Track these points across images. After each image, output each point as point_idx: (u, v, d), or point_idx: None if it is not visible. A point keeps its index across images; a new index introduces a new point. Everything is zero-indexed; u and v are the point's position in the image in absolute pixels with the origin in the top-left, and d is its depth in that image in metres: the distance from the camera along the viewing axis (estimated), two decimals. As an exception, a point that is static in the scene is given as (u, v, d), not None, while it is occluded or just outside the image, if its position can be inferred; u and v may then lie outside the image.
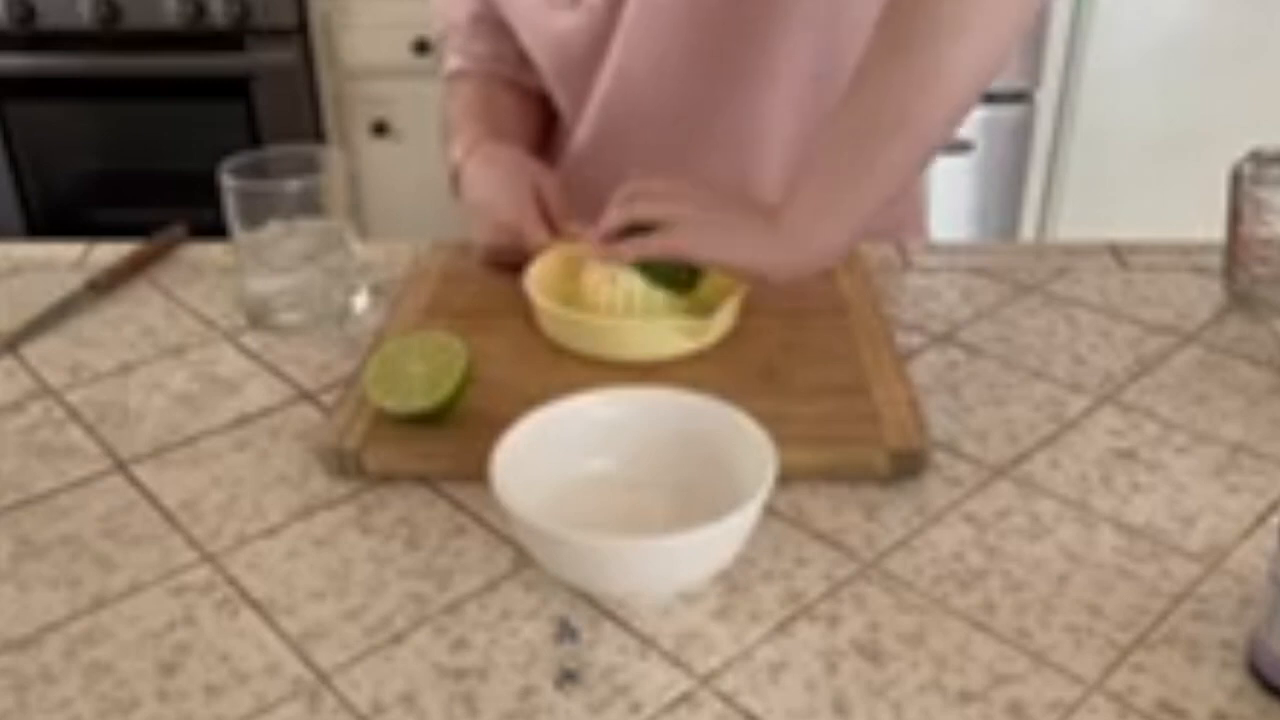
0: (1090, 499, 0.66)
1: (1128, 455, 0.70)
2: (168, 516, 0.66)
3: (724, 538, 0.56)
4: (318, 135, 2.08)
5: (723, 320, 0.78)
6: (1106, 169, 2.05)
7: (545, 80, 1.01)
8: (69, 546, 0.64)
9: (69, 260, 0.98)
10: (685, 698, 0.53)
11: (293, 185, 0.82)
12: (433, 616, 0.58)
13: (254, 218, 0.83)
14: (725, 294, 0.79)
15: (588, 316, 0.78)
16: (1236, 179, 0.84)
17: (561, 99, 1.01)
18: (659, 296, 0.79)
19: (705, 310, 0.79)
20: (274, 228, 0.83)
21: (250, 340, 0.85)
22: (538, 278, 0.82)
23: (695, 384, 0.66)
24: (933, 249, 0.99)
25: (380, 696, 0.53)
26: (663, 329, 0.77)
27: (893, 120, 0.73)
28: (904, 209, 1.07)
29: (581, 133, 1.00)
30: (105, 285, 0.92)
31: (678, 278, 0.78)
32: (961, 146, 1.98)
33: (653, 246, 0.76)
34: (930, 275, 0.93)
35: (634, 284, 0.78)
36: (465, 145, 0.96)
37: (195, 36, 1.98)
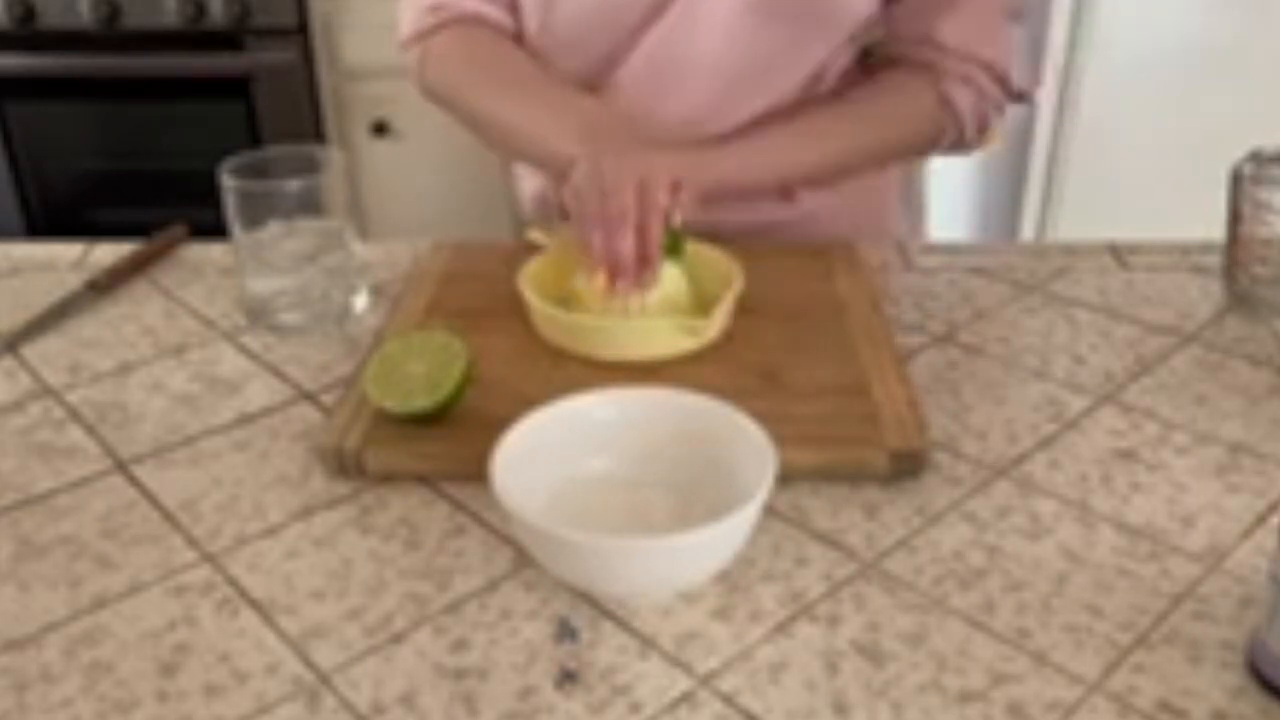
0: (1090, 499, 0.66)
1: (1128, 455, 0.70)
2: (168, 516, 0.66)
3: (724, 538, 0.56)
4: (318, 135, 2.07)
5: (720, 317, 0.78)
6: (1106, 169, 2.05)
7: (566, 37, 0.96)
8: (69, 546, 0.64)
9: (69, 260, 0.98)
10: (685, 698, 0.53)
11: (293, 185, 0.82)
12: (433, 616, 0.58)
13: (254, 218, 0.83)
14: (723, 291, 0.79)
15: (586, 318, 0.78)
16: (1236, 179, 0.84)
17: (585, 58, 0.96)
18: (656, 298, 0.79)
19: (704, 309, 0.79)
20: (274, 228, 0.83)
21: (250, 340, 0.85)
22: (532, 279, 0.82)
23: (695, 384, 0.66)
24: (933, 249, 0.99)
25: (380, 696, 0.53)
26: (661, 328, 0.77)
27: (839, 143, 0.91)
28: (881, 201, 1.08)
29: (622, 83, 0.95)
30: (105, 285, 0.92)
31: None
32: (961, 146, 1.98)
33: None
34: (930, 275, 0.93)
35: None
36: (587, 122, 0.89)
37: (195, 36, 1.98)
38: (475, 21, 0.98)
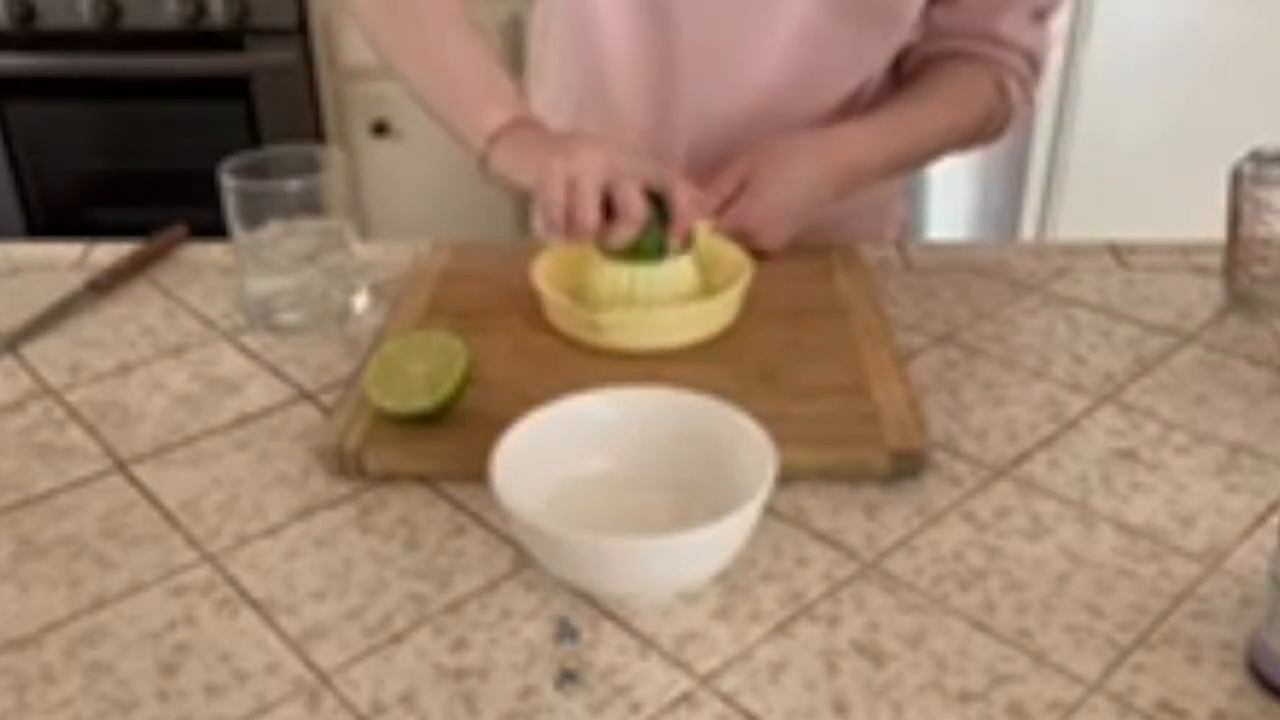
0: (1090, 499, 0.66)
1: (1128, 455, 0.70)
2: (168, 516, 0.66)
3: (724, 538, 0.56)
4: (318, 135, 2.07)
5: (729, 304, 0.79)
6: (1106, 169, 2.05)
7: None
8: (69, 546, 0.64)
9: (69, 260, 0.98)
10: (685, 698, 0.53)
11: (293, 185, 0.82)
12: (433, 616, 0.58)
13: (254, 218, 0.83)
14: (732, 281, 0.80)
15: (608, 315, 0.78)
16: (1236, 179, 0.84)
17: (632, 32, 0.93)
18: (667, 289, 0.79)
19: (713, 296, 0.80)
20: (274, 228, 0.83)
21: (250, 340, 0.85)
22: (544, 273, 0.82)
23: (695, 384, 0.66)
24: (933, 249, 0.99)
25: (380, 696, 0.53)
26: (672, 316, 0.78)
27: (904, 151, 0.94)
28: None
29: (683, 45, 0.92)
30: (105, 285, 0.92)
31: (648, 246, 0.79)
32: (961, 146, 1.98)
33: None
34: (930, 275, 0.93)
35: (651, 277, 0.79)
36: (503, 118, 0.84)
37: (195, 36, 1.98)
38: None
